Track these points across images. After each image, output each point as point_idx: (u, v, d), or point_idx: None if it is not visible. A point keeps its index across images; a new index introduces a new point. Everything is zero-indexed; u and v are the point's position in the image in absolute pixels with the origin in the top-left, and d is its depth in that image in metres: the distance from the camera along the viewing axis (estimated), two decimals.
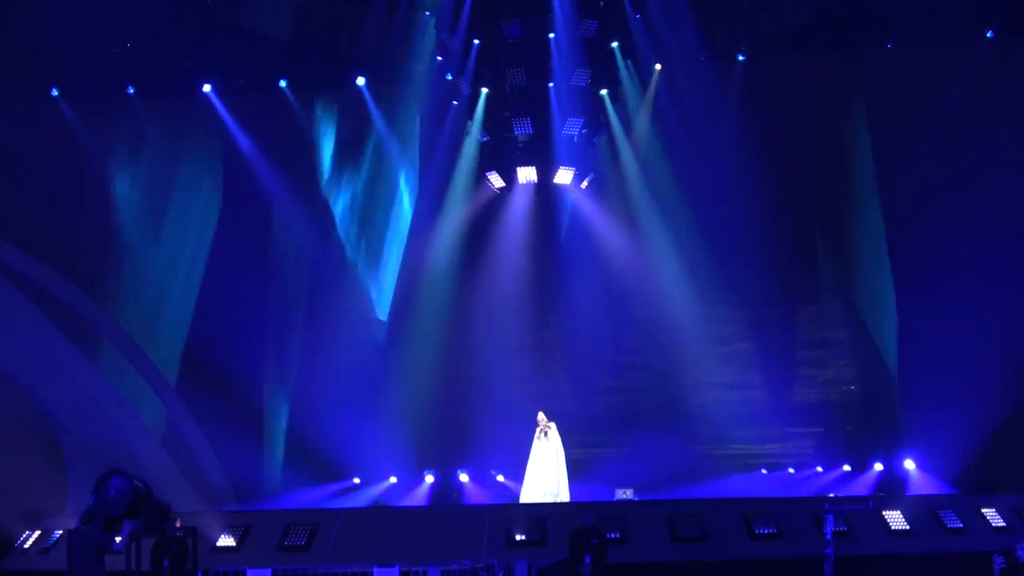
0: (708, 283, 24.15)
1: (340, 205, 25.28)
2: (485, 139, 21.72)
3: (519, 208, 24.57)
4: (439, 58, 21.12)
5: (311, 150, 25.15)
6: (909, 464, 22.45)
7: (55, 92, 24.23)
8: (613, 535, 16.93)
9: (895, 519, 17.49)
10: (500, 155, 21.20)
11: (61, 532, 18.08)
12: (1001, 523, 17.65)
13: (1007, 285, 21.99)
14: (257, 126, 24.72)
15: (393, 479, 24.30)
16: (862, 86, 23.60)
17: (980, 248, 22.37)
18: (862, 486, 22.30)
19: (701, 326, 24.16)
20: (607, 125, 22.74)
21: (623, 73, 22.70)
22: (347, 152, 25.17)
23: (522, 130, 20.65)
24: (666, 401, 24.11)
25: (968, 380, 21.36)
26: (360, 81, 24.89)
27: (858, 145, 23.68)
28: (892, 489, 21.50)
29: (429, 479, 24.15)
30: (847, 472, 23.32)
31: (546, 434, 20.34)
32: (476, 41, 20.47)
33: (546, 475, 20.27)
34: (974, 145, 22.73)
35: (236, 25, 22.97)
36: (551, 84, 20.18)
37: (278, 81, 24.75)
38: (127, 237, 24.07)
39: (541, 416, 20.47)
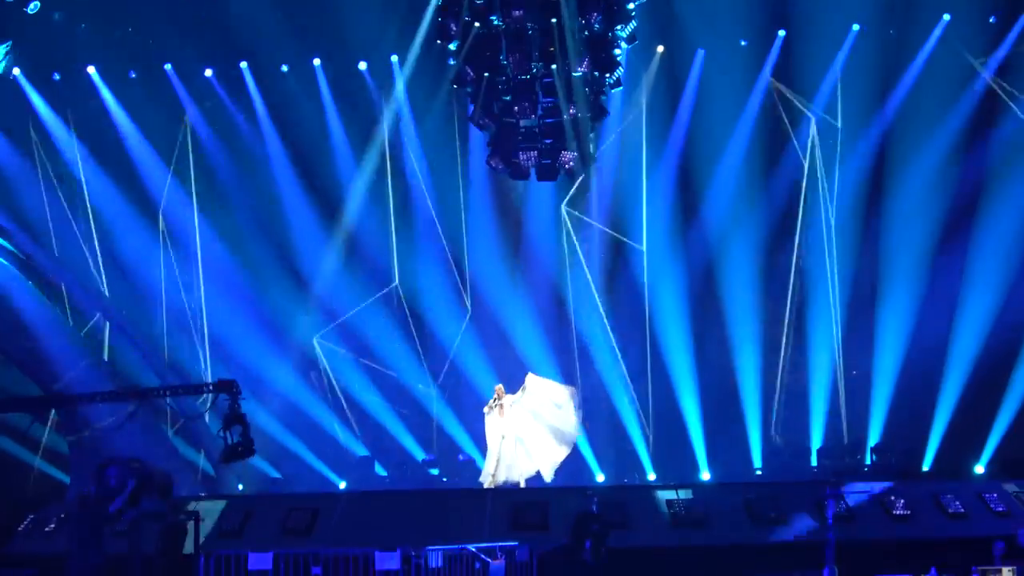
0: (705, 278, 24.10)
1: (342, 194, 25.18)
2: (487, 125, 21.68)
3: (522, 195, 24.60)
4: (439, 42, 21.17)
5: (318, 138, 25.02)
6: None
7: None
8: (614, 520, 16.91)
9: (896, 504, 17.49)
10: (502, 141, 21.13)
11: (62, 517, 18.07)
12: (1002, 508, 17.64)
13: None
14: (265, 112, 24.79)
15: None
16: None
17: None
18: None
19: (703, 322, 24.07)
20: (609, 109, 22.64)
21: (627, 58, 22.66)
22: (350, 139, 25.04)
23: (524, 116, 20.60)
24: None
25: None
26: (362, 66, 24.80)
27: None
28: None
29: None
30: None
31: (500, 409, 19.66)
32: (476, 24, 20.43)
33: (491, 453, 19.85)
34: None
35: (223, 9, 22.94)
36: (554, 67, 20.16)
37: (280, 66, 24.69)
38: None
39: (498, 388, 19.95)
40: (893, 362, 22.51)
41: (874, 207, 23.68)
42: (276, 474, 23.15)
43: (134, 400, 12.56)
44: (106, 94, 24.29)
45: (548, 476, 19.94)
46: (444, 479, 23.08)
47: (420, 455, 23.85)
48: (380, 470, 23.75)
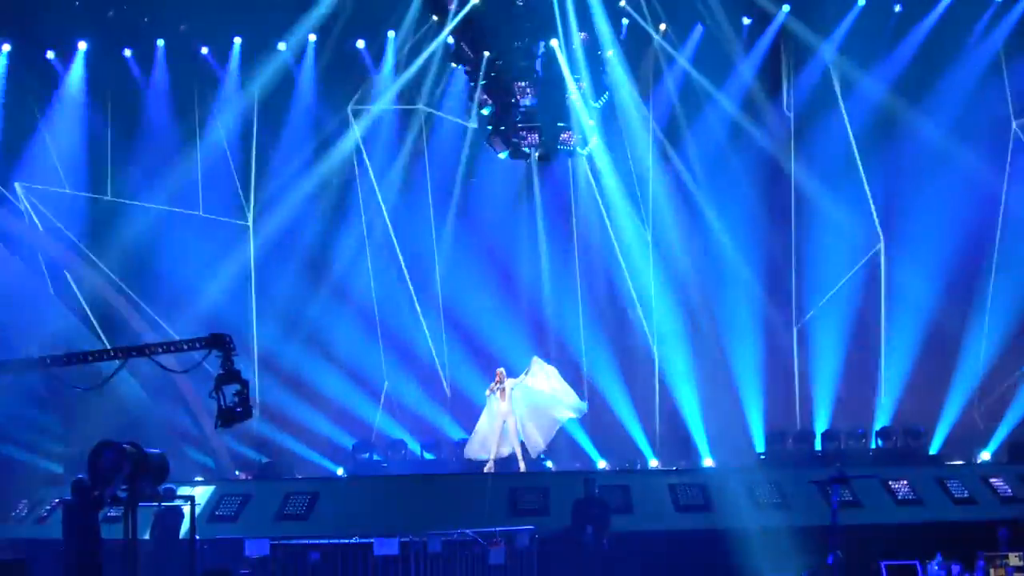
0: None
1: (338, 174, 24.91)
2: (488, 104, 21.55)
3: (526, 175, 24.22)
4: (434, 18, 21.09)
5: (309, 115, 24.70)
6: None
7: None
8: (617, 505, 16.82)
9: (902, 488, 17.35)
10: (504, 121, 20.91)
11: (56, 501, 17.90)
12: (1009, 492, 17.50)
13: None
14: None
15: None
16: None
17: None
18: None
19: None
20: (611, 87, 22.44)
21: (629, 34, 22.43)
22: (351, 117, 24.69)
23: (525, 94, 20.39)
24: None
25: None
26: (360, 44, 24.47)
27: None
28: None
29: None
30: None
31: (501, 392, 19.37)
32: (475, 0, 20.23)
33: (488, 436, 19.59)
34: None
35: None
36: (555, 45, 19.97)
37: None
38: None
39: (500, 371, 19.64)
40: (905, 344, 22.31)
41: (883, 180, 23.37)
42: (264, 459, 22.90)
43: (117, 360, 11.76)
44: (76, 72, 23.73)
45: (540, 448, 19.79)
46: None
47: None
48: (376, 455, 23.54)
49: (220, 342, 11.62)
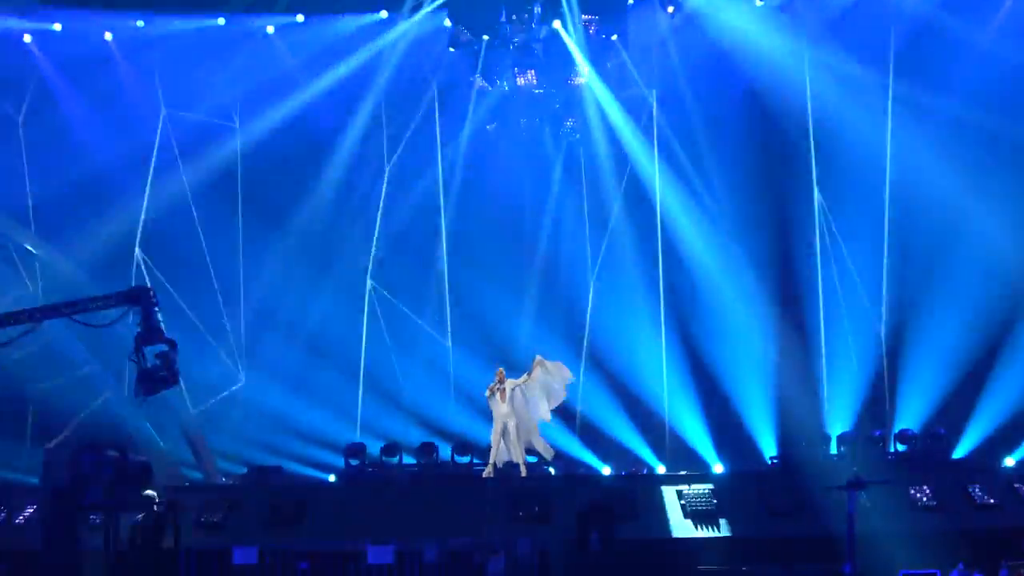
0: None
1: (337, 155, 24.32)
2: (486, 87, 21.25)
3: (525, 156, 23.43)
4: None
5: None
6: None
7: None
8: (623, 511, 16.35)
9: (922, 494, 16.77)
10: (503, 106, 20.59)
11: (33, 509, 17.21)
12: None
13: None
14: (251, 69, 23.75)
15: None
16: None
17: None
18: None
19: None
20: (615, 69, 22.02)
21: (632, 17, 22.01)
22: (347, 99, 24.02)
23: (525, 79, 20.15)
24: None
25: None
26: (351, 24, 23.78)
27: None
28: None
29: None
30: None
31: (501, 394, 18.91)
32: None
33: (490, 439, 19.15)
34: None
35: None
36: (556, 29, 19.65)
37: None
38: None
39: (500, 372, 19.15)
40: (933, 346, 21.69)
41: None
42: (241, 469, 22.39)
43: (28, 321, 10.78)
44: None
45: (550, 453, 19.38)
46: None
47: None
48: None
49: (141, 296, 10.57)
